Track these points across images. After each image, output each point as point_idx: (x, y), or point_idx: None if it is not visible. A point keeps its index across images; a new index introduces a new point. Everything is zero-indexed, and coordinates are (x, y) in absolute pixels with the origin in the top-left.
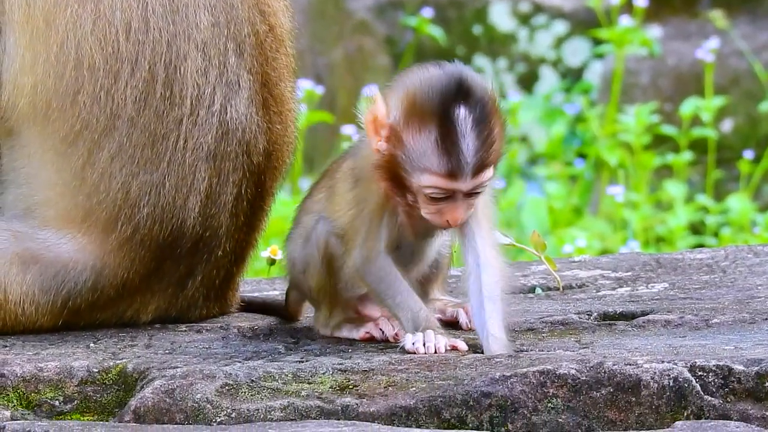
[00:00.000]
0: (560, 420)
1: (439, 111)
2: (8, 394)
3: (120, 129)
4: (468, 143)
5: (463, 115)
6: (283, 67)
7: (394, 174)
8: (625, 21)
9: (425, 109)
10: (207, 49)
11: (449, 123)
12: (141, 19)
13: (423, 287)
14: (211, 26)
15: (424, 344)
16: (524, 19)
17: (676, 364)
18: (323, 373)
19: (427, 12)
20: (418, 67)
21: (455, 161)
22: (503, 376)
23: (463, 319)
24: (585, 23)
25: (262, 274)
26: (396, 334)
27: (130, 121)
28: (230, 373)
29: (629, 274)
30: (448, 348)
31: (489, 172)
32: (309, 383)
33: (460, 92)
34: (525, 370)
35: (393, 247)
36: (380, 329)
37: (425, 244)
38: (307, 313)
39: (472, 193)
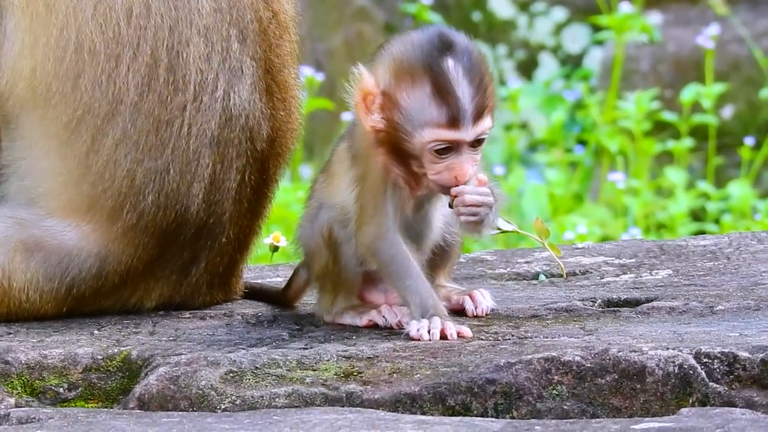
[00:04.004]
0: (565, 407)
1: (428, 64)
2: (12, 382)
3: (123, 115)
4: (463, 90)
5: (452, 64)
6: (287, 54)
7: (394, 143)
8: (625, 7)
9: (414, 66)
10: (209, 34)
11: (441, 74)
12: (142, 4)
13: (431, 272)
14: (213, 12)
15: (428, 331)
16: (524, 6)
17: (681, 351)
18: (327, 360)
19: None
20: (397, 35)
21: (454, 109)
22: (508, 363)
23: (469, 306)
24: (585, 10)
25: (264, 261)
26: (399, 322)
27: (133, 106)
28: (234, 360)
29: (633, 260)
30: (454, 335)
31: (488, 121)
32: (313, 370)
33: (444, 45)
34: (530, 357)
35: (397, 222)
36: (383, 316)
37: (425, 216)
38: (310, 300)
39: (475, 144)
